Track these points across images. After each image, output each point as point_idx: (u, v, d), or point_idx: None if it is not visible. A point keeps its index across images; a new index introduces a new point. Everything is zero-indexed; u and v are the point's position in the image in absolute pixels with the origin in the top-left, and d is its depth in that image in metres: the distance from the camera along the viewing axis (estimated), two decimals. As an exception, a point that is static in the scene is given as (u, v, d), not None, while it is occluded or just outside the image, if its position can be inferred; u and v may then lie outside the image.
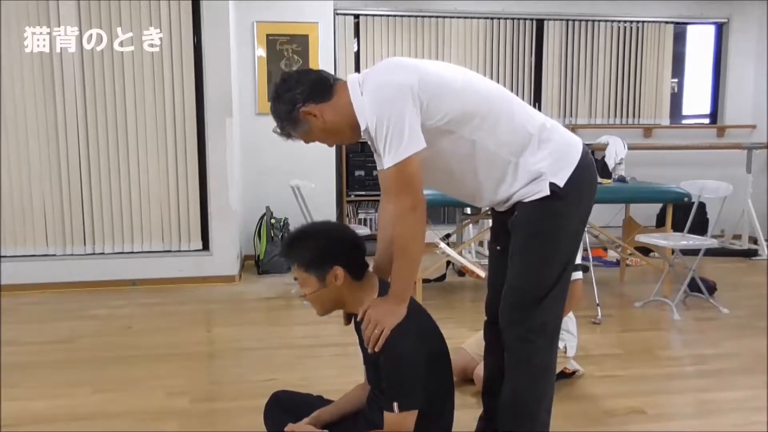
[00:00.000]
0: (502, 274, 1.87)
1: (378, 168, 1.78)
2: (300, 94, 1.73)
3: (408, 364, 1.67)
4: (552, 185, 1.74)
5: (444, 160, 1.77)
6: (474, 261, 4.69)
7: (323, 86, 1.75)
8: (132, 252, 4.74)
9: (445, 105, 1.71)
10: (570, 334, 2.84)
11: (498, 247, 1.98)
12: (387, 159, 1.66)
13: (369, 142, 1.78)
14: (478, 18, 6.09)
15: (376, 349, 1.67)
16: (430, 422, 1.75)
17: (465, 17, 6.07)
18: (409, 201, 1.68)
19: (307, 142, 1.83)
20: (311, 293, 1.77)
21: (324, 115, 1.74)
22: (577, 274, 2.70)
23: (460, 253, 3.73)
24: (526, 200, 1.78)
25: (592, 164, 1.86)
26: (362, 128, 1.73)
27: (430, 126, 1.70)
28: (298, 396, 2.06)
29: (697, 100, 6.82)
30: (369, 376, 1.88)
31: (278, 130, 1.82)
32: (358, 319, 1.76)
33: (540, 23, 6.22)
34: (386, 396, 1.67)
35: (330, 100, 1.74)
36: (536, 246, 1.79)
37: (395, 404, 1.65)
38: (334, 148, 5.64)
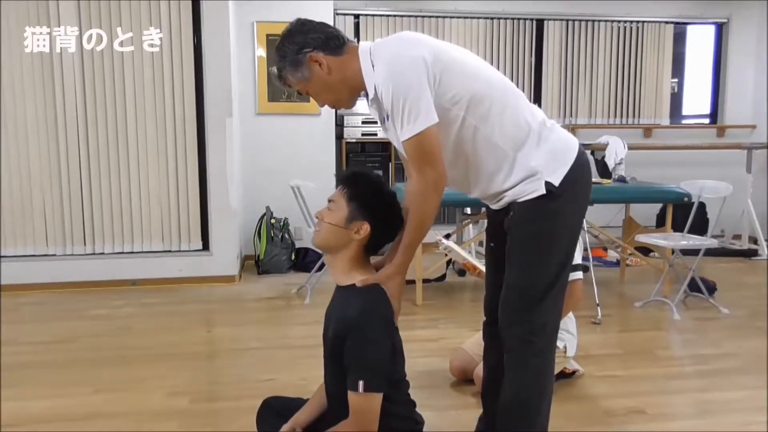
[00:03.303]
0: (499, 275, 1.86)
1: (396, 145, 1.79)
2: (313, 39, 1.74)
3: (378, 344, 1.67)
4: (548, 184, 1.73)
5: (446, 140, 1.76)
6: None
7: (336, 41, 1.76)
8: (132, 252, 4.74)
9: (455, 85, 1.71)
10: (570, 334, 2.84)
11: (494, 248, 1.97)
12: (405, 131, 1.66)
13: (374, 110, 1.78)
14: (478, 18, 6.10)
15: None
16: (397, 412, 1.76)
17: (465, 17, 6.08)
18: (433, 174, 1.69)
19: (300, 92, 1.83)
20: (330, 223, 1.76)
21: (329, 67, 1.74)
22: (577, 274, 2.70)
23: (460, 254, 3.72)
24: (522, 200, 1.77)
25: (588, 164, 1.86)
26: (370, 96, 1.74)
27: (438, 104, 1.70)
28: (289, 401, 2.04)
29: (697, 100, 6.82)
30: (328, 374, 1.85)
31: (275, 71, 1.81)
32: (358, 284, 1.74)
33: (540, 23, 6.22)
34: (352, 375, 1.65)
35: (338, 57, 1.75)
36: (534, 246, 1.78)
37: (361, 383, 1.63)
38: (333, 148, 5.64)
